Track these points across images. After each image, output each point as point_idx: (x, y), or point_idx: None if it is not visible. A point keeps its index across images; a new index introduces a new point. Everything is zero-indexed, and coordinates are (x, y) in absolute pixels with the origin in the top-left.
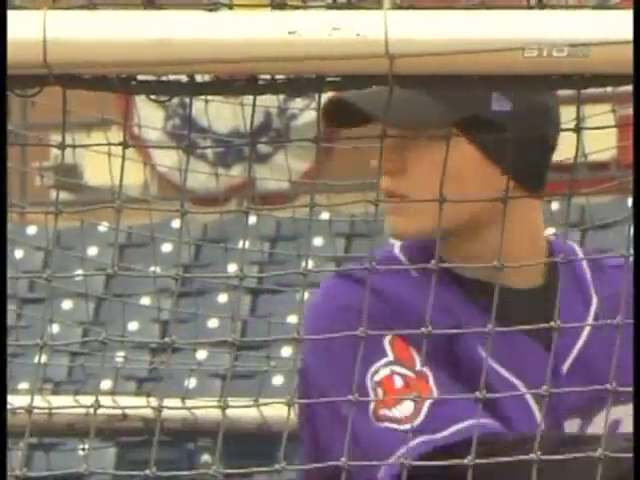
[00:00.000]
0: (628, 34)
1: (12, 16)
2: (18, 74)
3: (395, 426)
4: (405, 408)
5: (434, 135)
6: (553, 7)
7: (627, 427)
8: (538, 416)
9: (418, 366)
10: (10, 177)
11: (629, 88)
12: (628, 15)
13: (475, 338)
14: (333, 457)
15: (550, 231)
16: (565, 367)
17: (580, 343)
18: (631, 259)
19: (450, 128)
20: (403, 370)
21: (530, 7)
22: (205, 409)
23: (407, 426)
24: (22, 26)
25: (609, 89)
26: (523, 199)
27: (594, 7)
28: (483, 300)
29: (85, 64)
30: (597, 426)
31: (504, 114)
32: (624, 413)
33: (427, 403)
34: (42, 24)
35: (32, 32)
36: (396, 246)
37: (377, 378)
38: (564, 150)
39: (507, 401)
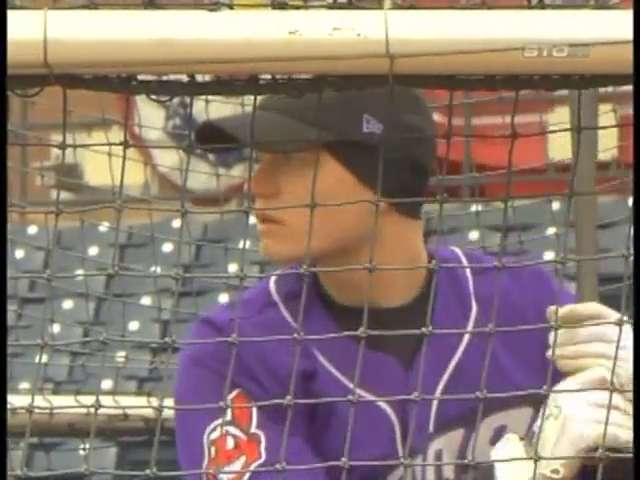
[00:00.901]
0: (628, 34)
1: (12, 16)
2: (18, 74)
3: None
4: (231, 470)
5: (305, 158)
6: (554, 7)
7: (513, 430)
8: (398, 434)
9: (253, 428)
10: (10, 177)
11: (629, 88)
12: (628, 15)
13: (333, 368)
14: None
15: (550, 231)
16: (442, 380)
17: (458, 353)
18: (631, 259)
19: (320, 151)
20: (236, 431)
21: (530, 7)
22: None
23: None
24: (22, 26)
25: (609, 89)
26: (397, 219)
27: (594, 7)
28: (355, 325)
29: (85, 64)
30: (482, 435)
31: (375, 136)
32: (508, 418)
33: (251, 467)
34: (43, 24)
35: (32, 32)
36: (271, 280)
37: (212, 437)
38: (565, 150)
39: (366, 425)
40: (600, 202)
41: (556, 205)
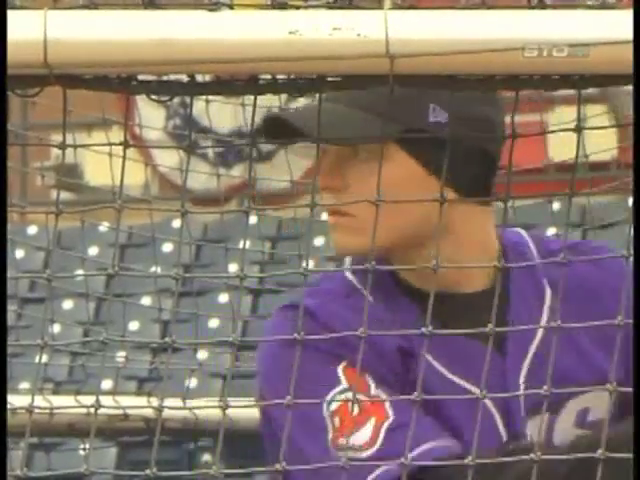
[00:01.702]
0: (628, 34)
1: (12, 16)
2: (18, 74)
3: (355, 454)
4: (363, 434)
5: (374, 151)
6: (554, 7)
7: (595, 414)
8: (499, 420)
9: (372, 390)
10: (10, 177)
11: (629, 88)
12: (628, 15)
13: (429, 353)
14: None
15: (552, 231)
16: (525, 366)
17: (537, 340)
18: (631, 259)
19: (389, 144)
20: (358, 396)
21: (530, 7)
22: (206, 409)
23: (366, 453)
24: (22, 26)
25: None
26: (467, 208)
27: (594, 7)
28: (438, 311)
29: (86, 64)
30: (565, 419)
31: (441, 125)
32: (591, 401)
33: (384, 428)
34: (43, 24)
35: (33, 32)
36: (347, 271)
37: (333, 407)
38: (565, 150)
39: (464, 411)
40: (600, 202)
41: (556, 205)
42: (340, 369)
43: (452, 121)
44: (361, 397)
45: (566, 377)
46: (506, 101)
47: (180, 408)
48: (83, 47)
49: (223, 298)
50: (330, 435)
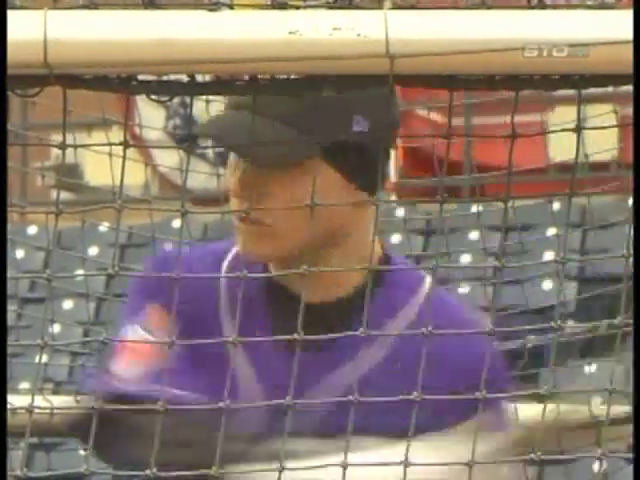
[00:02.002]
0: (628, 34)
1: (12, 16)
2: (18, 74)
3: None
4: (135, 368)
5: (295, 168)
6: (554, 7)
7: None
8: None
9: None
10: (10, 177)
11: (629, 88)
12: (628, 15)
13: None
14: None
15: (552, 231)
16: (347, 382)
17: (371, 363)
18: (631, 260)
19: (314, 160)
20: (146, 335)
21: (530, 7)
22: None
23: (127, 370)
24: (22, 26)
25: (610, 89)
26: (371, 209)
27: (594, 7)
28: (284, 309)
29: (86, 64)
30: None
31: (363, 134)
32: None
33: (153, 365)
34: (43, 24)
35: (33, 32)
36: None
37: (127, 336)
38: (566, 151)
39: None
40: (601, 202)
41: (557, 205)
42: (153, 306)
43: (373, 128)
44: (147, 337)
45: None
46: (506, 101)
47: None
48: (83, 47)
49: None
50: (112, 361)
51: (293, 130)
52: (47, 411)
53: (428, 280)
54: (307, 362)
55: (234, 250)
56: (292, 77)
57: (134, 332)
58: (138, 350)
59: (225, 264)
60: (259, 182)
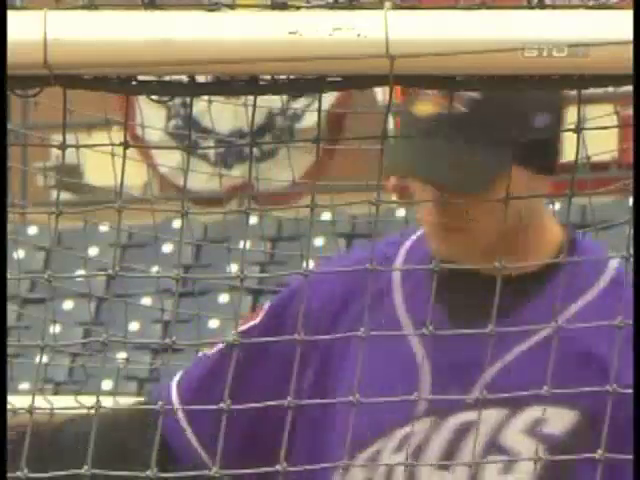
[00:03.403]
0: (628, 34)
1: (13, 16)
2: (19, 74)
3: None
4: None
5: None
6: (554, 7)
7: (551, 428)
8: (427, 384)
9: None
10: (11, 177)
11: (630, 88)
12: (628, 15)
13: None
14: None
15: None
16: (508, 357)
17: (531, 341)
18: (631, 260)
19: (510, 172)
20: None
21: (530, 7)
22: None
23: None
24: (23, 26)
25: (611, 90)
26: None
27: (594, 7)
28: (456, 287)
29: (86, 64)
30: (518, 422)
31: (546, 127)
32: (550, 413)
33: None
34: (43, 24)
35: (33, 32)
36: (383, 242)
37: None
38: (566, 151)
39: (390, 364)
40: (601, 203)
41: (557, 206)
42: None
43: (553, 118)
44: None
45: (541, 383)
46: None
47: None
48: (83, 47)
49: (223, 298)
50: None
51: (480, 147)
52: (47, 412)
53: (614, 263)
54: (483, 339)
55: (409, 242)
56: (292, 77)
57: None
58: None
59: (402, 252)
60: (458, 210)
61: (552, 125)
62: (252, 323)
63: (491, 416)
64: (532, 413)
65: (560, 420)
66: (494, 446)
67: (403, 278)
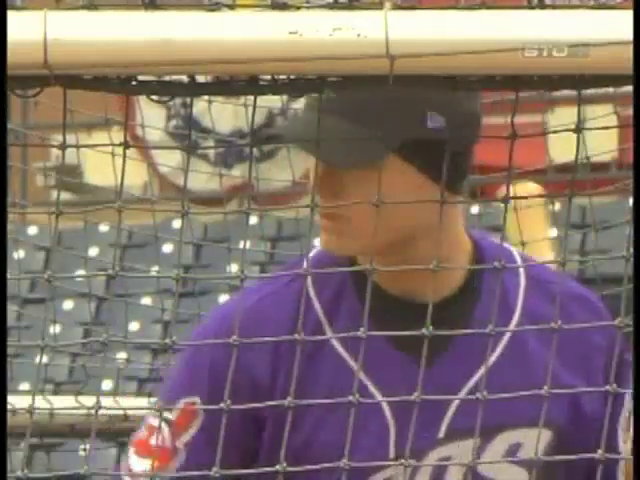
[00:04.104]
0: (628, 34)
1: (13, 16)
2: (19, 74)
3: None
4: (141, 465)
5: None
6: (554, 7)
7: (528, 451)
8: (392, 436)
9: (182, 440)
10: (11, 177)
11: (630, 88)
12: (628, 15)
13: (341, 348)
14: None
15: (553, 232)
16: (470, 384)
17: (492, 359)
18: (632, 260)
19: (389, 157)
20: (166, 434)
21: (530, 7)
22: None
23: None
24: (23, 26)
25: (611, 90)
26: (453, 206)
27: (594, 7)
28: (386, 314)
29: (86, 64)
30: (496, 448)
31: (439, 130)
32: (525, 437)
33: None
34: (43, 24)
35: (33, 32)
36: (317, 247)
37: (149, 421)
38: (567, 151)
39: (363, 417)
40: (601, 203)
41: (557, 206)
42: (183, 401)
43: (449, 124)
44: (164, 439)
45: (508, 408)
46: (506, 101)
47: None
48: (83, 47)
49: (223, 298)
50: (133, 437)
51: (365, 129)
52: (47, 412)
53: (516, 253)
54: (435, 370)
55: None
56: (292, 77)
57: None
58: (155, 451)
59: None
60: (336, 180)
61: (447, 131)
62: (190, 434)
63: (468, 447)
64: (507, 437)
65: (535, 441)
66: (477, 477)
67: (330, 314)
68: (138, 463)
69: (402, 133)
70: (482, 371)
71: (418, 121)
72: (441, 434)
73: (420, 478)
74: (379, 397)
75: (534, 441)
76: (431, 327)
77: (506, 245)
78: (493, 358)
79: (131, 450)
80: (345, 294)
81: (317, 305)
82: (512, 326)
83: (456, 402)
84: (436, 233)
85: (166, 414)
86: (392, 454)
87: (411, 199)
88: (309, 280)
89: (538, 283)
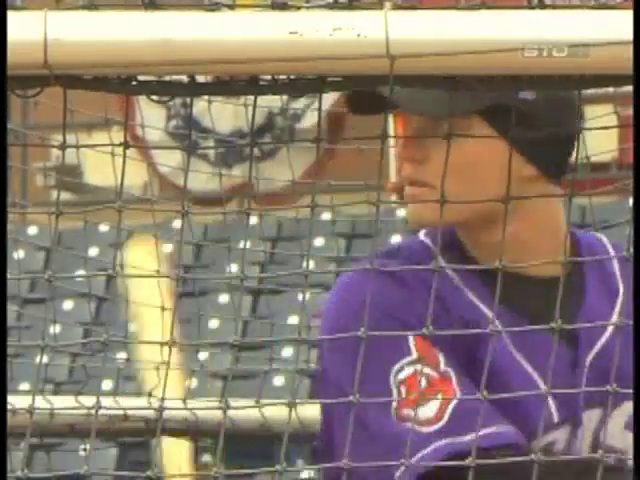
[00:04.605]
0: (628, 34)
1: (13, 16)
2: (19, 74)
3: (418, 427)
4: (429, 409)
5: (457, 124)
6: (554, 7)
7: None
8: (555, 410)
9: (442, 366)
10: (11, 177)
11: (630, 88)
12: (628, 15)
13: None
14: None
15: None
16: (589, 359)
17: (605, 336)
18: (631, 259)
19: (474, 118)
20: (427, 370)
21: (530, 7)
22: (206, 410)
23: (431, 428)
24: (23, 27)
25: (611, 90)
26: (544, 187)
27: (594, 7)
28: (506, 293)
29: (86, 64)
30: (618, 419)
31: (529, 102)
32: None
33: (451, 405)
34: (43, 25)
35: (33, 33)
36: (421, 233)
37: (401, 376)
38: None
39: (528, 398)
40: (601, 203)
41: None
42: (411, 339)
43: (540, 100)
44: (430, 371)
45: (627, 378)
46: None
47: (181, 409)
48: (83, 48)
49: (223, 298)
50: (394, 404)
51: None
52: (47, 412)
53: (605, 239)
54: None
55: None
56: (293, 77)
57: (408, 371)
58: (435, 388)
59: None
60: (421, 144)
61: (539, 105)
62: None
63: (595, 416)
64: (627, 408)
65: None
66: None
67: (462, 278)
68: (430, 411)
69: (491, 97)
70: (599, 346)
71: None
72: (581, 402)
73: (577, 442)
74: (540, 382)
75: None
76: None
77: (597, 235)
78: (606, 337)
79: (407, 415)
80: (467, 281)
81: (460, 283)
82: (619, 302)
83: (585, 374)
84: (522, 212)
85: (407, 358)
86: (556, 419)
87: (498, 173)
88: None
89: (623, 259)
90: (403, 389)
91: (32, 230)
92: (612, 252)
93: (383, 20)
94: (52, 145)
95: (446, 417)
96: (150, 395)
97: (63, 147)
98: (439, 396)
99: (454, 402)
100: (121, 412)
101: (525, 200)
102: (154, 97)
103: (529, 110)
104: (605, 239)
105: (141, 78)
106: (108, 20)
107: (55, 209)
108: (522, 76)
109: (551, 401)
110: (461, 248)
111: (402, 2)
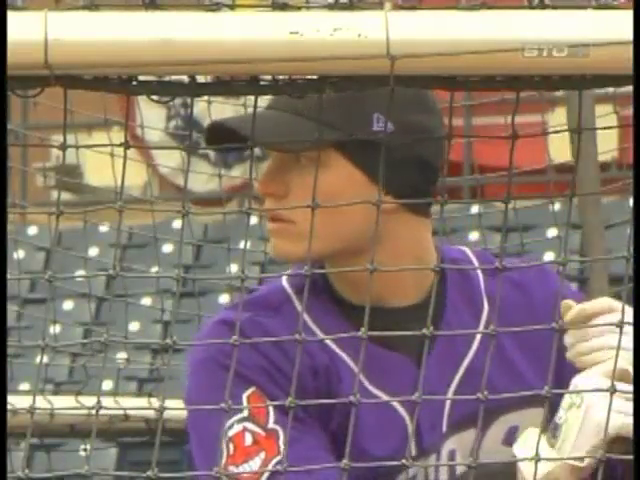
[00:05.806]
0: (628, 34)
1: (13, 17)
2: (19, 74)
3: None
4: (250, 467)
5: (315, 158)
6: (554, 7)
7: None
8: (410, 433)
9: (271, 423)
10: (11, 177)
11: (630, 88)
12: (628, 15)
13: (352, 364)
14: None
15: (552, 232)
16: (456, 379)
17: (471, 354)
18: (632, 260)
19: (330, 150)
20: (254, 427)
21: (530, 7)
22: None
23: None
24: (23, 27)
25: (611, 90)
26: (407, 219)
27: (594, 7)
28: (369, 325)
29: (86, 65)
30: (494, 435)
31: (386, 134)
32: (522, 418)
33: (271, 464)
34: (43, 25)
35: (33, 33)
36: (283, 279)
37: (230, 433)
38: (566, 151)
39: (380, 423)
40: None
41: (557, 206)
42: (245, 395)
43: (398, 131)
44: (256, 429)
45: (498, 394)
46: (506, 102)
47: (181, 409)
48: (83, 48)
49: (223, 298)
50: (223, 460)
51: (307, 121)
52: (48, 412)
53: (469, 252)
54: (430, 367)
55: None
56: (293, 77)
57: (237, 428)
58: (259, 446)
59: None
60: (281, 178)
61: (394, 136)
62: (273, 414)
63: (469, 438)
64: (504, 421)
65: (535, 421)
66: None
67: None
68: (251, 468)
69: (346, 129)
70: (465, 365)
71: (363, 121)
72: (444, 429)
73: (441, 475)
74: (395, 403)
75: (531, 419)
76: (409, 330)
77: (462, 248)
78: (471, 354)
79: (234, 472)
80: (329, 318)
81: (312, 324)
82: (483, 319)
83: (455, 393)
84: (385, 242)
85: (238, 416)
86: (414, 452)
87: (359, 205)
88: (298, 307)
89: (491, 270)
90: (231, 446)
91: (32, 230)
92: (476, 265)
93: (383, 20)
94: (52, 145)
95: (264, 476)
96: (150, 395)
97: (63, 147)
98: (262, 454)
99: (276, 459)
100: (121, 412)
101: (388, 231)
102: (154, 97)
103: (386, 142)
104: (469, 251)
105: (141, 78)
106: (108, 20)
107: (55, 209)
108: (522, 76)
109: (410, 432)
110: (329, 289)
111: (402, 2)
